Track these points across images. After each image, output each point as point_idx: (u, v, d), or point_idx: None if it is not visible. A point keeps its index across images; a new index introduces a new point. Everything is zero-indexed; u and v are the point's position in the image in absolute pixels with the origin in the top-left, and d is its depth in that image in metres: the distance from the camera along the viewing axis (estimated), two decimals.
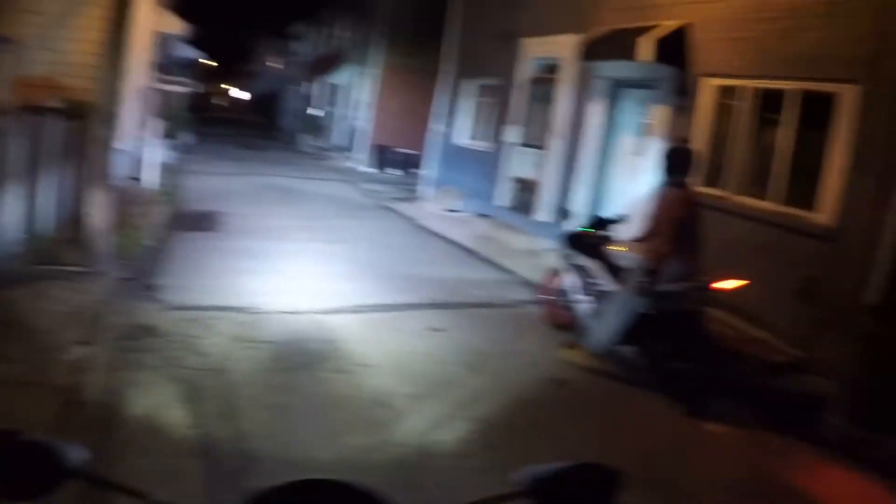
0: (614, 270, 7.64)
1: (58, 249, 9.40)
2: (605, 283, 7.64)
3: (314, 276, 10.05)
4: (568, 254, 8.36)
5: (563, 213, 8.76)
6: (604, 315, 7.30)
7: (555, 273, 8.69)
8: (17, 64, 9.53)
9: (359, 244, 12.69)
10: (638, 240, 7.61)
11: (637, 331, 7.07)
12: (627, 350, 7.40)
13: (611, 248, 7.94)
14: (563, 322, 8.40)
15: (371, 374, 6.63)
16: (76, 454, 1.51)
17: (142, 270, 9.26)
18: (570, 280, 8.17)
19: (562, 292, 8.38)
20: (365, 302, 9.01)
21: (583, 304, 7.87)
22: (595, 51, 11.32)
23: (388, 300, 9.19)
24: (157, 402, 5.61)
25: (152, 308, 7.94)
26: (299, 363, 6.72)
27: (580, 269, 8.05)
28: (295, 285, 9.45)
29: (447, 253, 12.88)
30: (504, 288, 10.50)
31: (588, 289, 7.84)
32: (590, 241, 8.12)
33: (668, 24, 10.27)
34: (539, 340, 8.18)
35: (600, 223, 8.32)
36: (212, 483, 4.52)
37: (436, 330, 8.11)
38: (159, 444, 4.95)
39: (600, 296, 7.61)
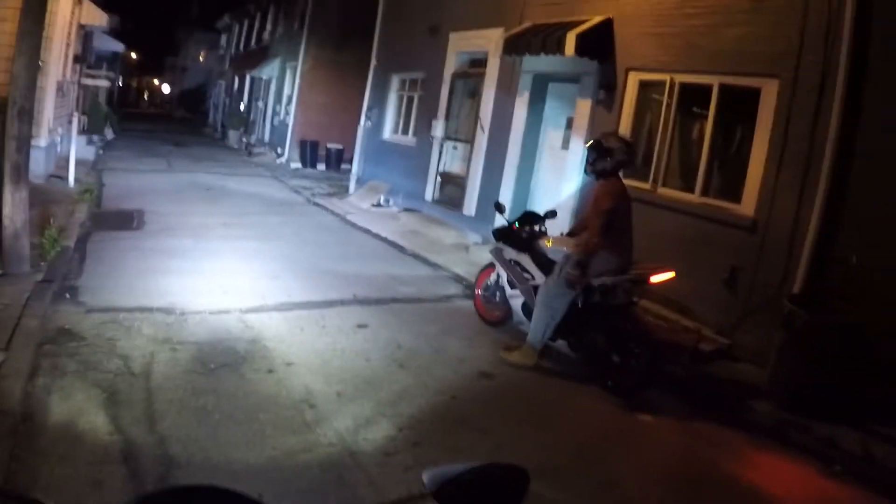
0: (546, 264, 7.70)
1: None
2: (537, 277, 7.69)
3: (238, 275, 9.93)
4: (499, 248, 8.34)
5: (496, 207, 8.67)
6: (537, 310, 7.30)
7: (486, 268, 8.70)
8: None
9: (285, 241, 12.58)
10: (569, 233, 7.84)
11: (570, 324, 7.17)
12: (561, 344, 7.53)
13: (542, 242, 8.00)
14: (494, 317, 8.49)
15: (296, 372, 6.60)
16: None
17: (61, 272, 9.00)
18: (501, 275, 8.20)
19: (493, 287, 8.43)
20: (290, 299, 8.94)
21: (515, 298, 7.96)
22: (520, 45, 11.40)
23: (314, 297, 9.13)
24: (77, 408, 5.49)
25: (72, 311, 7.75)
26: (223, 364, 6.64)
27: (512, 264, 8.07)
28: (219, 284, 9.32)
29: (375, 248, 12.85)
30: (432, 283, 10.54)
31: (520, 283, 7.87)
32: (521, 236, 8.11)
33: (593, 19, 10.40)
34: (468, 335, 8.22)
35: (531, 218, 8.31)
36: (132, 491, 4.42)
37: (362, 327, 8.10)
38: (80, 451, 4.84)
39: (532, 290, 7.65)
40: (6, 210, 8.53)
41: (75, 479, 4.39)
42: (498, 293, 8.32)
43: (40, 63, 9.06)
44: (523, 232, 8.13)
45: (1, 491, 1.48)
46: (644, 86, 10.08)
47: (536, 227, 8.16)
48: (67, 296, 8.28)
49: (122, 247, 10.99)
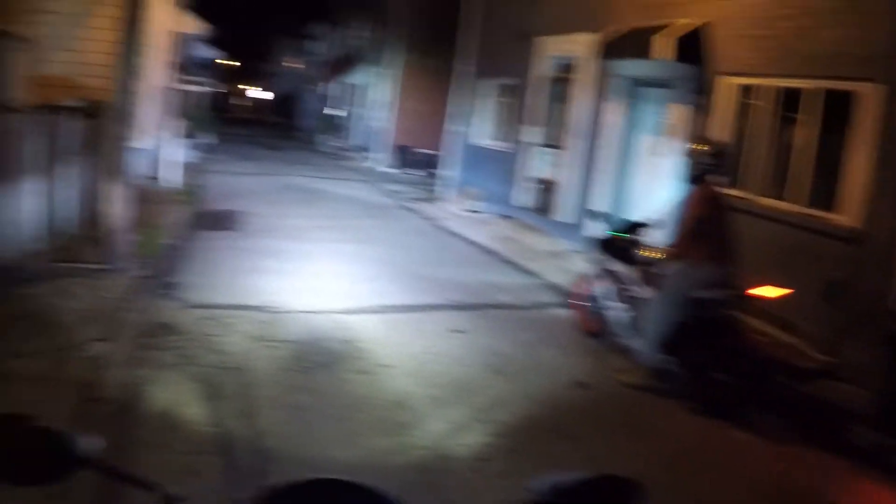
0: (647, 276, 7.31)
1: (77, 247, 9.41)
2: (637, 289, 7.37)
3: (334, 276, 9.99)
4: (599, 258, 8.08)
5: (593, 215, 8.49)
6: (639, 324, 7.03)
7: (586, 278, 8.43)
8: (33, 63, 9.55)
9: (379, 244, 12.60)
10: (670, 244, 7.37)
11: (671, 339, 6.77)
12: (663, 360, 7.06)
13: (643, 252, 7.56)
14: (594, 329, 8.15)
15: (391, 375, 6.55)
16: (91, 444, 1.49)
17: (161, 269, 9.24)
18: (601, 286, 7.90)
19: (593, 298, 8.09)
20: (385, 302, 8.93)
21: (615, 311, 7.61)
22: (612, 49, 11.18)
23: (409, 301, 9.10)
24: (175, 399, 5.57)
25: (172, 306, 7.93)
26: (319, 363, 6.65)
27: (612, 275, 7.79)
28: (315, 285, 9.40)
29: (468, 254, 12.77)
30: (526, 290, 10.38)
31: (621, 295, 7.56)
32: (621, 246, 7.79)
33: (686, 22, 10.10)
34: (563, 344, 8.03)
35: (632, 227, 7.96)
36: (228, 481, 4.47)
37: (457, 332, 8.00)
38: (177, 440, 4.91)
39: (634, 303, 7.34)
40: (112, 208, 8.80)
41: (172, 467, 4.41)
42: (597, 304, 7.99)
43: (139, 70, 9.33)
44: (622, 241, 7.82)
45: (129, 476, 1.45)
46: (738, 90, 9.70)
47: (637, 237, 7.79)
48: (168, 291, 8.47)
49: (220, 246, 11.22)
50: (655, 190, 10.69)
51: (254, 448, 4.92)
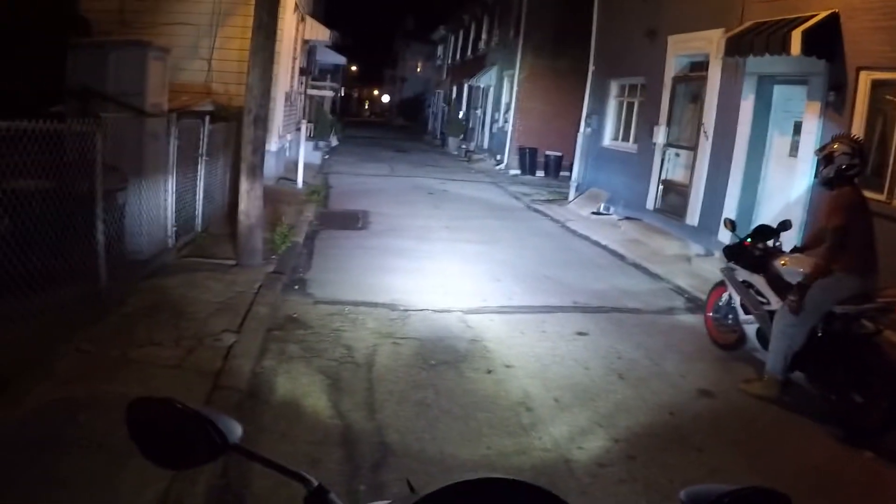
0: (782, 287, 6.76)
1: (211, 243, 9.83)
2: (773, 301, 6.81)
3: (460, 276, 10.04)
4: (730, 268, 7.52)
5: (726, 224, 7.94)
6: (773, 338, 6.47)
7: (717, 287, 7.90)
8: (170, 71, 10.02)
9: (505, 245, 12.58)
10: (805, 251, 6.94)
11: (807, 355, 6.28)
12: (797, 375, 6.50)
13: (777, 261, 7.00)
14: (726, 341, 7.68)
15: (515, 375, 6.50)
16: (233, 428, 1.53)
17: (290, 265, 9.54)
18: (734, 297, 7.37)
19: (725, 309, 7.60)
20: (511, 303, 8.91)
21: (749, 323, 7.10)
22: (741, 45, 10.70)
23: (535, 302, 9.03)
24: (300, 390, 5.73)
25: (300, 301, 8.18)
26: (443, 361, 6.68)
27: (744, 286, 7.22)
28: (441, 284, 9.46)
29: (594, 256, 12.57)
30: (653, 294, 10.12)
31: (754, 308, 7.01)
32: (753, 254, 7.23)
33: (819, 14, 9.55)
34: (688, 351, 7.75)
35: (764, 232, 7.41)
36: (350, 473, 4.53)
37: (582, 334, 7.88)
38: (300, 430, 5.04)
39: (768, 316, 6.75)
40: (242, 206, 9.14)
41: (294, 456, 4.53)
42: (730, 316, 7.48)
43: (270, 75, 9.66)
44: (756, 249, 7.25)
45: (274, 463, 1.47)
46: (877, 85, 9.05)
47: (770, 243, 7.28)
48: (296, 287, 8.76)
49: (347, 245, 11.46)
50: (791, 193, 10.22)
51: (375, 441, 4.97)
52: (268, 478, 4.11)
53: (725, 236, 11.68)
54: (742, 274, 7.33)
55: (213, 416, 1.51)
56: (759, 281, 7.08)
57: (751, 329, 7.09)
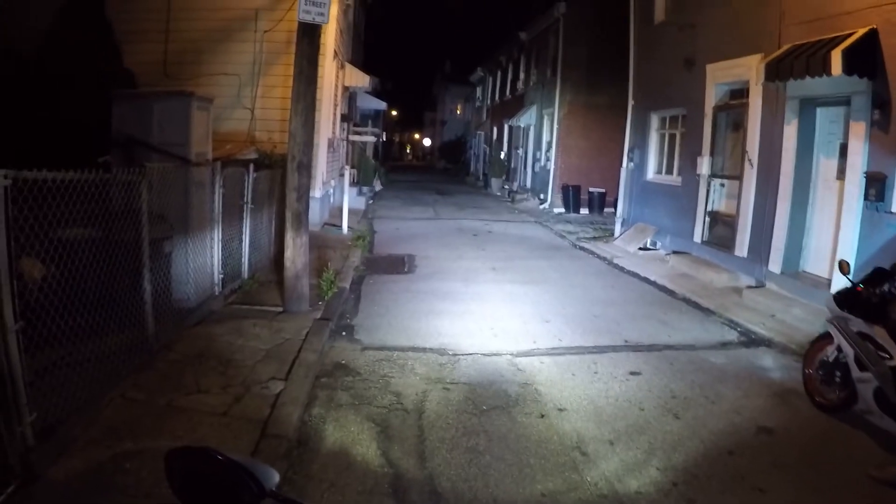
0: None
1: (257, 290, 9.85)
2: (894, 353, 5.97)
3: (508, 318, 9.91)
4: (842, 317, 6.55)
5: (840, 266, 6.92)
6: (893, 397, 5.77)
7: (820, 339, 7.12)
8: (215, 121, 10.17)
9: (552, 285, 12.44)
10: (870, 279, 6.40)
11: None
12: None
13: None
14: (831, 401, 6.77)
15: (568, 418, 6.34)
16: (269, 476, 1.58)
17: (337, 311, 9.50)
18: (846, 351, 6.44)
19: (832, 365, 6.73)
20: (561, 344, 8.76)
21: (865, 382, 6.15)
22: (781, 70, 10.49)
23: (585, 342, 8.87)
24: (349, 438, 5.64)
25: (348, 347, 8.12)
26: (494, 406, 6.54)
27: (860, 338, 6.29)
28: (489, 327, 9.35)
29: (643, 293, 12.36)
30: (705, 329, 9.87)
31: (872, 363, 6.06)
32: (871, 301, 6.31)
33: (857, 32, 9.32)
34: (744, 386, 7.51)
35: (880, 276, 6.46)
36: None
37: (635, 374, 7.69)
38: (350, 479, 4.94)
39: (890, 371, 5.89)
40: (288, 253, 9.16)
41: None
42: (838, 373, 6.61)
43: (312, 123, 9.74)
44: (872, 296, 6.32)
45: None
46: None
47: (887, 288, 6.30)
48: (343, 333, 8.71)
49: (394, 289, 11.41)
50: (840, 217, 9.95)
51: (427, 490, 4.86)
52: None
53: (776, 265, 11.46)
54: (857, 325, 6.38)
55: (249, 464, 1.55)
56: (879, 332, 6.17)
57: (865, 390, 6.16)
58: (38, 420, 4.59)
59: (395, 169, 50.63)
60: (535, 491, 4.96)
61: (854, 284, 6.56)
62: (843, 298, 6.62)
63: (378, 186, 30.30)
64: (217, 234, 8.86)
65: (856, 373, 6.26)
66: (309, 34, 9.05)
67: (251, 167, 10.25)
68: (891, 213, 8.91)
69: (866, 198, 9.20)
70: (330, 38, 16.43)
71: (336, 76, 18.87)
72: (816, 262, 11.02)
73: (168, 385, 6.10)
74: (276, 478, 1.59)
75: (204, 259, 8.62)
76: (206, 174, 8.64)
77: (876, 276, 6.47)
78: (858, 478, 5.41)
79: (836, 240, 10.03)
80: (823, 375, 6.86)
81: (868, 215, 9.24)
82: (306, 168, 9.21)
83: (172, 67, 14.63)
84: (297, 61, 9.08)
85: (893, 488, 5.28)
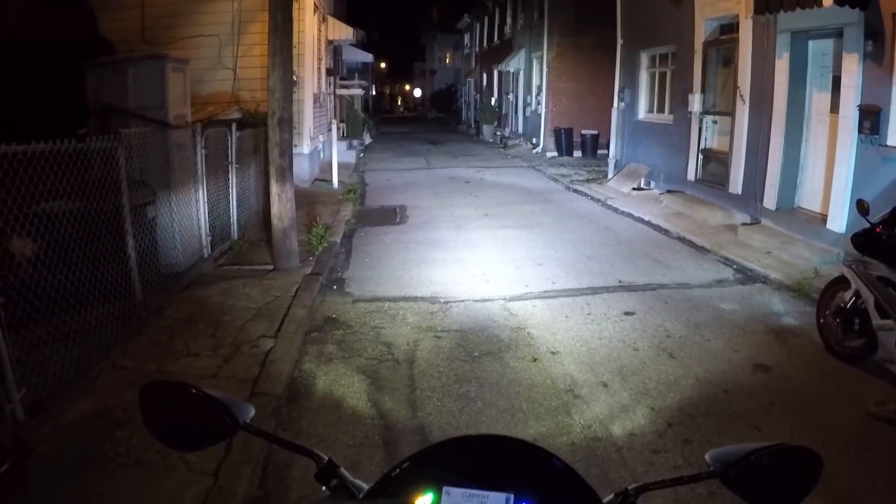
0: None
1: (247, 250, 9.80)
2: None
3: (500, 263, 9.85)
4: (861, 261, 6.20)
5: (858, 206, 6.23)
6: None
7: (834, 284, 6.71)
8: (197, 83, 10.01)
9: (545, 229, 12.36)
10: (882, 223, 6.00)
11: None
12: None
13: None
14: (849, 350, 6.40)
15: (561, 361, 6.31)
16: (245, 410, 1.60)
17: (328, 265, 9.45)
18: (865, 296, 6.05)
19: (849, 311, 6.33)
20: (554, 287, 8.70)
21: (886, 330, 5.78)
22: (771, 2, 10.27)
23: (578, 284, 8.82)
24: (340, 392, 5.61)
25: (338, 301, 8.08)
26: (487, 351, 6.51)
27: (879, 282, 5.95)
28: (482, 273, 9.31)
29: (637, 233, 12.29)
30: (700, 268, 9.83)
31: (893, 308, 5.72)
32: (893, 242, 5.89)
33: None
34: (741, 324, 7.45)
35: None
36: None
37: (629, 314, 7.66)
38: (340, 433, 4.93)
39: None
40: (274, 209, 9.08)
41: (335, 460, 4.38)
42: (857, 320, 6.22)
43: (295, 78, 9.56)
44: (894, 237, 5.89)
45: (275, 437, 1.65)
46: None
47: None
48: (334, 287, 8.67)
49: (385, 240, 11.35)
50: (835, 152, 9.83)
51: (417, 441, 4.82)
52: (308, 486, 4.00)
53: (771, 202, 11.38)
54: (879, 269, 6.01)
55: (224, 398, 1.56)
56: None
57: (887, 338, 5.79)
58: (28, 396, 4.55)
59: (386, 121, 50.29)
60: (528, 435, 4.89)
61: (873, 226, 6.05)
62: (862, 241, 6.15)
63: (368, 139, 30.10)
64: (202, 197, 8.75)
65: (876, 320, 5.88)
66: None
67: (234, 126, 10.11)
68: (886, 146, 8.77)
69: (860, 131, 9.06)
70: None
71: (318, 30, 18.58)
72: (811, 197, 10.92)
73: (157, 351, 6.06)
74: (252, 412, 1.60)
75: (190, 222, 8.53)
76: (186, 136, 8.51)
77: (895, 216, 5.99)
78: (856, 415, 5.36)
79: (830, 174, 9.92)
80: (840, 323, 6.47)
81: (863, 149, 9.11)
82: (287, 123, 9.07)
83: (150, 33, 14.37)
84: (271, 15, 8.89)
85: (892, 425, 5.19)
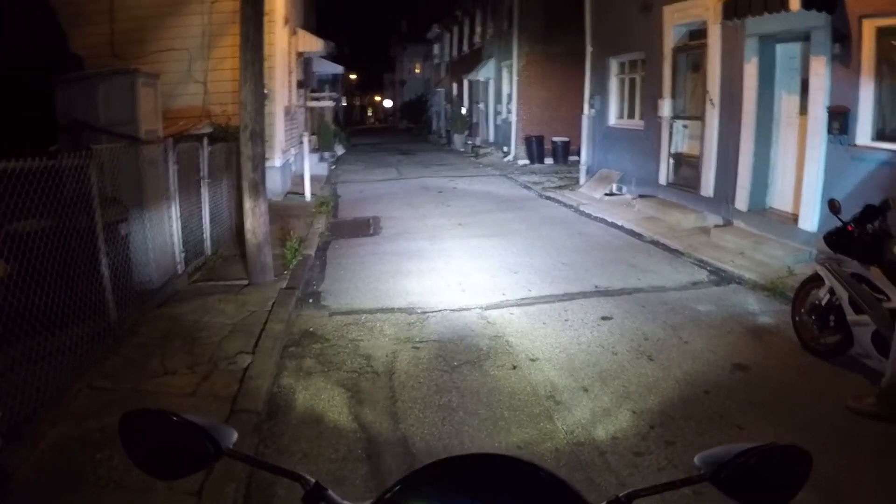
0: None
1: (222, 265, 9.72)
2: (894, 295, 5.71)
3: (476, 272, 9.86)
4: (834, 258, 6.27)
5: (830, 205, 6.30)
6: (886, 340, 5.54)
7: (809, 282, 6.80)
8: (168, 98, 9.93)
9: (520, 236, 12.38)
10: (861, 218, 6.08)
11: None
12: None
13: None
14: (824, 346, 6.49)
15: (541, 368, 6.32)
16: (227, 435, 1.57)
17: (303, 279, 9.39)
18: (839, 293, 6.14)
19: (824, 309, 6.41)
20: (530, 294, 8.72)
21: (861, 326, 5.89)
22: (739, 7, 10.38)
23: (555, 290, 8.84)
24: (320, 406, 5.58)
25: (315, 315, 8.03)
26: (466, 361, 6.50)
27: (853, 278, 6.04)
28: (458, 282, 9.30)
29: (611, 238, 12.35)
30: (674, 270, 9.90)
31: (869, 306, 5.80)
32: (864, 241, 5.99)
33: None
34: (717, 324, 7.53)
35: (872, 212, 6.07)
36: (376, 489, 4.33)
37: (606, 318, 7.69)
38: (322, 449, 4.89)
39: (888, 313, 5.66)
40: (248, 224, 9.02)
41: (316, 476, 4.33)
42: (832, 317, 6.31)
43: (266, 91, 9.52)
44: (865, 235, 6.00)
45: (258, 461, 1.62)
46: (882, 33, 8.70)
47: (883, 225, 5.99)
48: (310, 301, 8.62)
49: (360, 252, 11.31)
50: (804, 152, 9.94)
51: (400, 452, 4.81)
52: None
53: (742, 203, 11.48)
54: (852, 266, 6.10)
55: (206, 424, 1.53)
56: (875, 273, 5.93)
57: (862, 333, 5.90)
58: (5, 420, 4.49)
59: (357, 133, 50.19)
60: (511, 443, 4.93)
61: (844, 224, 6.18)
62: (834, 239, 6.27)
63: (340, 151, 30.04)
64: (175, 213, 8.67)
65: (851, 316, 6.00)
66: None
67: (205, 141, 10.05)
68: (855, 145, 8.90)
69: (830, 131, 9.19)
70: (279, 4, 16.11)
71: (289, 42, 18.54)
72: (782, 198, 11.05)
73: (134, 370, 5.98)
74: (234, 436, 1.58)
75: (164, 239, 8.44)
76: (158, 152, 8.44)
77: (866, 214, 6.10)
78: (835, 410, 5.42)
79: (801, 175, 10.03)
80: (815, 320, 6.56)
81: (832, 149, 9.25)
82: (260, 136, 9.02)
83: (120, 48, 14.25)
84: (242, 28, 8.85)
85: (870, 419, 5.27)
